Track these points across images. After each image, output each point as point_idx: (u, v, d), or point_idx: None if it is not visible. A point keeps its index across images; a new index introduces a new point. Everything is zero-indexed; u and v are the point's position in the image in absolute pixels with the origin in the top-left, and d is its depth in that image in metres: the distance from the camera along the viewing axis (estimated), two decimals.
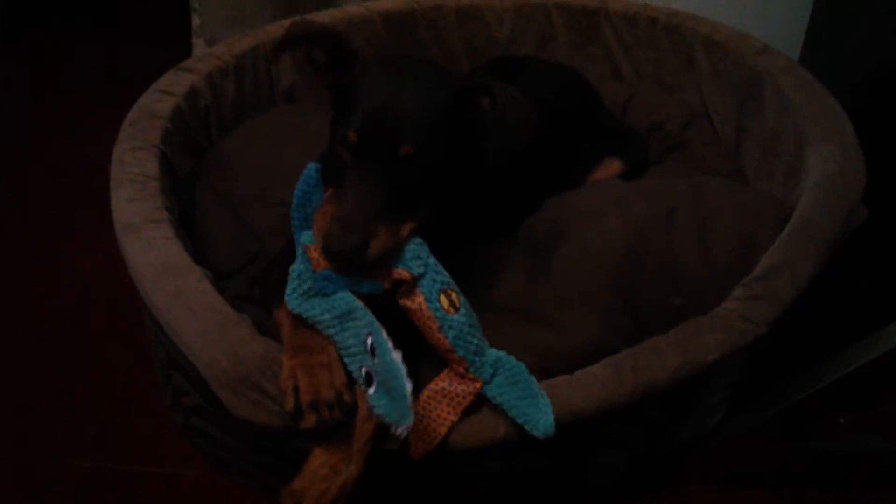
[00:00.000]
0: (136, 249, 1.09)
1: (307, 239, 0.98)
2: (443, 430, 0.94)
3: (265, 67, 1.67)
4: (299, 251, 0.99)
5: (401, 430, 0.86)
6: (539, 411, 0.94)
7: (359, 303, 0.94)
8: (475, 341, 0.96)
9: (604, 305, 1.13)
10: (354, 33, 1.76)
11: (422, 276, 0.95)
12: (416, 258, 0.95)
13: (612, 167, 1.57)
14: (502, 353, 0.98)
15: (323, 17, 1.76)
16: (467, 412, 0.97)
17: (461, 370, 0.96)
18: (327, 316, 0.93)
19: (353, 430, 0.92)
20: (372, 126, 0.93)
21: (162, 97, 1.42)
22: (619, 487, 1.20)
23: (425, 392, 0.96)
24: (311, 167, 1.03)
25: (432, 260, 0.97)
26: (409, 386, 0.87)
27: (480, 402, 0.98)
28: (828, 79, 1.49)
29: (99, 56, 2.60)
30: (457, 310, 0.95)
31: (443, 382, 0.97)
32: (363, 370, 0.90)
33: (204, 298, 1.02)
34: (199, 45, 2.42)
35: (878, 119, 1.40)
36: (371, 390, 0.88)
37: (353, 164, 0.94)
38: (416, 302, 0.94)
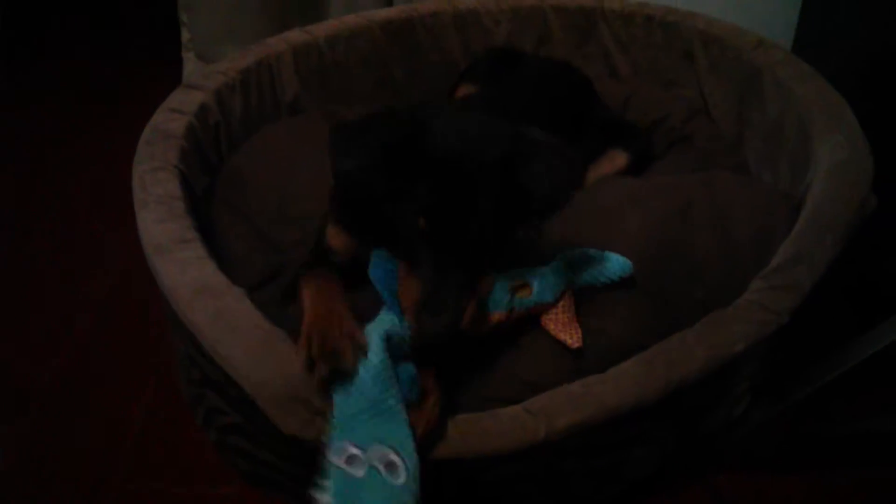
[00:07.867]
0: (171, 271, 1.09)
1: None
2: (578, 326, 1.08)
3: (269, 81, 1.68)
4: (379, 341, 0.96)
5: None
6: None
7: None
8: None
9: (632, 304, 1.15)
10: (355, 43, 1.78)
11: (533, 294, 1.06)
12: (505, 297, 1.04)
13: (617, 159, 1.59)
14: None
15: (322, 29, 1.77)
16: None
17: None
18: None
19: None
20: (444, 214, 0.94)
21: (173, 116, 1.42)
22: (650, 480, 1.23)
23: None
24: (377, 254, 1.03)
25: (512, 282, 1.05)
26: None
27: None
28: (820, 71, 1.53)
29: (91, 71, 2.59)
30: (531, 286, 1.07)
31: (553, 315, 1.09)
32: None
33: (246, 317, 1.03)
34: (189, 59, 2.41)
35: (870, 111, 1.44)
36: None
37: (428, 246, 0.95)
38: (552, 309, 1.08)
